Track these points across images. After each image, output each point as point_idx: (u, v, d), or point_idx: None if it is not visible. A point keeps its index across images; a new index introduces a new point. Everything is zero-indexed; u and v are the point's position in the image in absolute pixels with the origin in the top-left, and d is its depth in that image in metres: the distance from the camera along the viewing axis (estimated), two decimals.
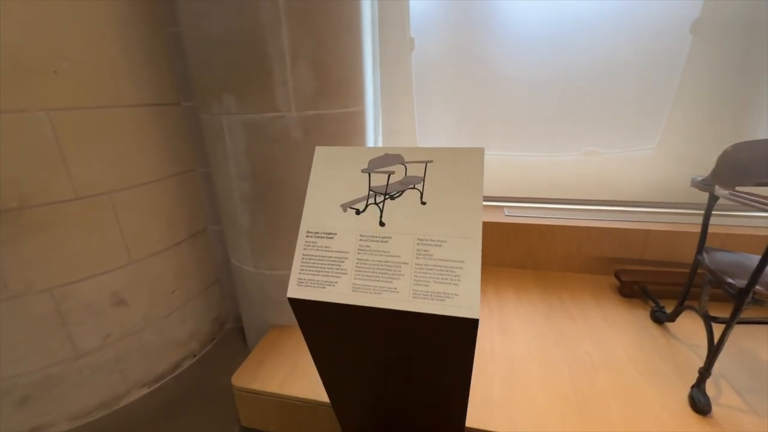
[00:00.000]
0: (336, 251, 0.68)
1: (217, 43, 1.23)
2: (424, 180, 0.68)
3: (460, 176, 0.66)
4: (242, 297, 1.68)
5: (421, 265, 0.64)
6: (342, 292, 0.66)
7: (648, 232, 1.85)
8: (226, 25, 1.19)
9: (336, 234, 0.69)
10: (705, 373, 1.17)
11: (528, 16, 1.88)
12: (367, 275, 0.66)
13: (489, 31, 1.94)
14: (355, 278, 0.66)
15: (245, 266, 1.54)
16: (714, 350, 1.15)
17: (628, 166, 2.02)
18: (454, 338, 0.62)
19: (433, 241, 0.64)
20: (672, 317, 1.50)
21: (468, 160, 0.66)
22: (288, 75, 1.23)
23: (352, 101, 1.41)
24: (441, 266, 0.63)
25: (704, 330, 1.21)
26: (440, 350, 0.66)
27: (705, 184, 1.29)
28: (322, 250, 0.69)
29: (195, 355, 1.78)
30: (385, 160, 0.70)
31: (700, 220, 1.92)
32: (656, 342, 1.46)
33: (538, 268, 2.04)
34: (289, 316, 1.56)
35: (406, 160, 0.70)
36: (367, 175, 0.71)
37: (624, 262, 1.93)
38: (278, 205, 1.39)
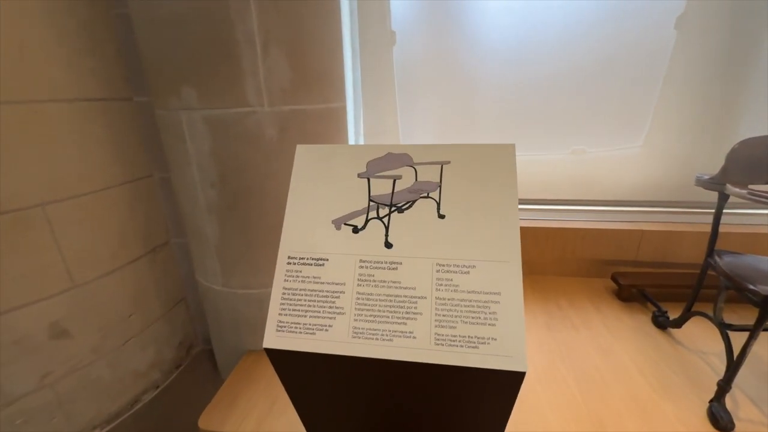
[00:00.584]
0: (329, 283, 0.51)
1: (173, 26, 1.03)
2: (440, 186, 0.52)
3: (487, 180, 0.51)
4: (211, 319, 1.48)
5: (444, 299, 0.48)
6: (338, 338, 0.49)
7: (643, 232, 1.80)
8: (184, 5, 1.00)
9: (328, 260, 0.52)
10: (725, 386, 1.08)
11: (513, 13, 1.81)
12: (371, 315, 0.49)
13: (473, 27, 1.86)
14: (355, 319, 0.49)
15: (214, 285, 1.35)
16: (735, 363, 1.07)
17: (615, 164, 1.97)
18: (491, 395, 0.47)
19: (458, 266, 0.48)
20: (678, 323, 1.42)
21: (495, 160, 0.51)
22: (259, 63, 1.06)
23: (334, 95, 1.25)
24: (470, 300, 0.47)
25: (711, 335, 1.13)
26: (470, 408, 0.51)
27: (714, 183, 1.21)
28: (310, 282, 0.52)
29: (158, 386, 1.55)
30: (389, 161, 0.54)
31: (692, 219, 1.92)
32: (663, 350, 1.38)
33: (532, 273, 1.95)
34: None
35: (415, 160, 0.54)
36: (366, 181, 0.55)
37: (619, 264, 1.87)
38: (251, 215, 1.21)
